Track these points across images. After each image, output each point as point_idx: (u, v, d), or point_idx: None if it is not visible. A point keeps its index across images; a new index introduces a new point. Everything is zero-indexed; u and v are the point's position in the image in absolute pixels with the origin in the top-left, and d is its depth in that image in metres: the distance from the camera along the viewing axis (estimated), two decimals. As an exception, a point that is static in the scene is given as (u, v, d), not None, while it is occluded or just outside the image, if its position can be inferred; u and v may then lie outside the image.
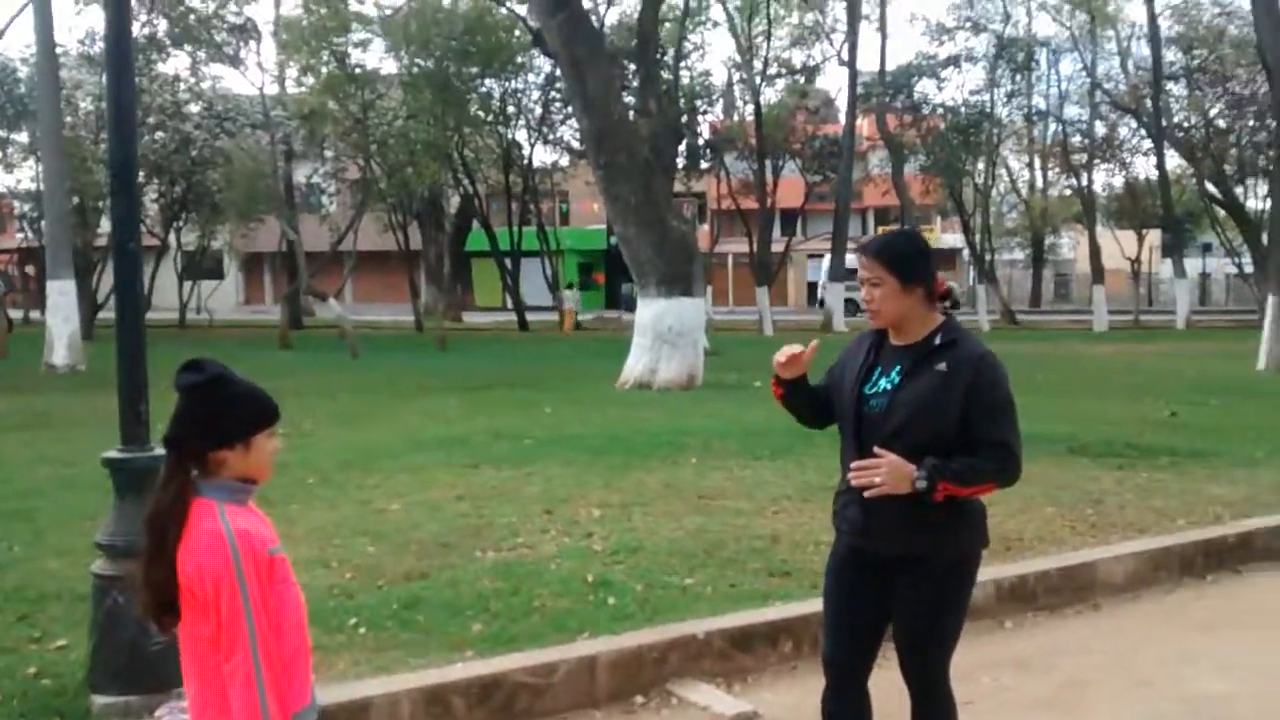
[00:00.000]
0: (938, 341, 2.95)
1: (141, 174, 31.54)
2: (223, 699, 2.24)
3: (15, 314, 35.28)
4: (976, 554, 3.07)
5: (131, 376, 3.96)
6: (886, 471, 2.84)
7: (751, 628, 4.67)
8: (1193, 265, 50.99)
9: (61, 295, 17.76)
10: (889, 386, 2.95)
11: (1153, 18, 34.10)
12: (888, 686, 3.23)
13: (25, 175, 34.99)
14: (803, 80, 38.37)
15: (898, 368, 2.97)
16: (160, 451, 3.83)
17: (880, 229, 53.28)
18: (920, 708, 3.10)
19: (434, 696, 3.93)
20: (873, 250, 3.02)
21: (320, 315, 35.50)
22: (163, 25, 28.83)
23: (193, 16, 27.70)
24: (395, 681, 3.97)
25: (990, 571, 5.47)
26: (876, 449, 2.88)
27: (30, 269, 43.16)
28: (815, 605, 4.57)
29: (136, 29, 27.06)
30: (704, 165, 38.97)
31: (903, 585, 3.00)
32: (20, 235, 40.60)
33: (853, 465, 2.94)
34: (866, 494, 2.88)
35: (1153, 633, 5.14)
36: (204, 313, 38.43)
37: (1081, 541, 6.14)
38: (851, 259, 19.50)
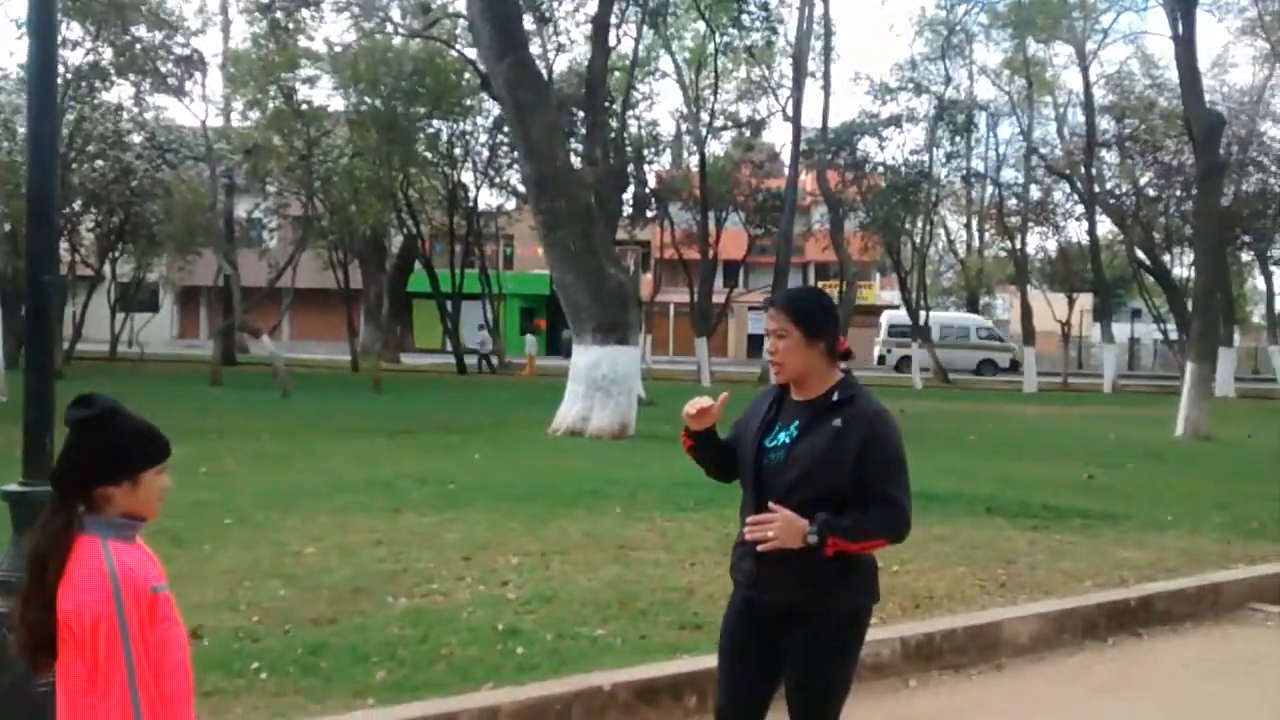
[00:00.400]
0: (835, 398, 3.05)
1: (79, 203, 31.19)
2: None
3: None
4: (867, 609, 3.13)
5: (38, 408, 3.92)
6: (780, 526, 2.92)
7: (657, 680, 4.69)
8: (1123, 329, 52.29)
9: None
10: (787, 440, 3.04)
11: (1087, 86, 35.25)
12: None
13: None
14: (748, 133, 38.94)
15: (796, 423, 3.06)
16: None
17: (820, 284, 54.06)
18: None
19: (331, 745, 3.90)
20: (781, 303, 3.12)
21: (254, 352, 35.05)
22: (108, 53, 28.57)
23: (138, 46, 27.47)
24: (292, 729, 3.93)
25: (898, 629, 5.57)
26: (771, 504, 2.96)
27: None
28: (721, 659, 4.62)
29: (80, 56, 26.80)
30: (649, 214, 39.30)
31: (793, 638, 3.05)
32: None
33: (748, 520, 3.01)
34: (760, 548, 2.95)
35: (1053, 695, 5.24)
36: (135, 345, 37.74)
37: (990, 601, 6.26)
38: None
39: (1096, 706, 5.07)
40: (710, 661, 4.78)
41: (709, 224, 36.03)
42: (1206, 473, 12.61)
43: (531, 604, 5.65)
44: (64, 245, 30.94)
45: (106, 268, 35.24)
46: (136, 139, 31.33)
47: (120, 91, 30.01)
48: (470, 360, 36.00)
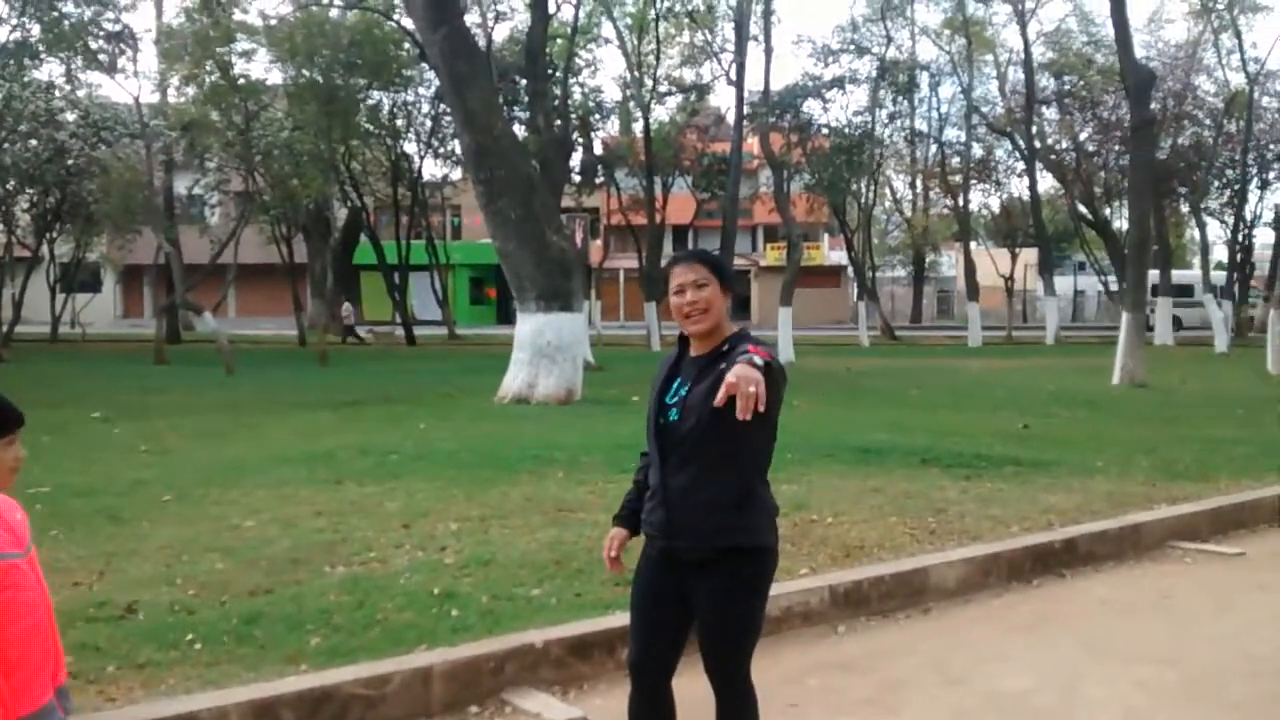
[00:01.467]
0: (725, 348, 3.15)
1: (13, 183, 30.57)
2: None
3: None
4: (771, 548, 3.23)
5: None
6: (749, 380, 2.74)
7: (590, 636, 4.79)
8: (1067, 283, 53.09)
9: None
10: (684, 395, 3.14)
11: (1026, 44, 35.61)
12: (697, 690, 3.38)
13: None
14: (692, 98, 38.92)
15: (693, 375, 3.16)
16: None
17: (769, 246, 54.27)
18: (723, 705, 3.25)
19: (263, 709, 3.96)
20: (696, 256, 3.26)
21: (199, 330, 34.67)
22: (35, 30, 27.89)
23: (66, 23, 26.86)
24: (224, 695, 3.99)
25: (828, 577, 5.72)
26: (727, 378, 2.78)
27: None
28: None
29: (5, 33, 26.18)
30: (596, 180, 39.23)
31: (705, 582, 3.16)
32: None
33: (740, 393, 2.76)
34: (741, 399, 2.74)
35: (975, 634, 5.42)
36: (78, 326, 37.17)
37: (920, 549, 6.43)
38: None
39: (1018, 643, 5.25)
40: (641, 616, 4.93)
41: (655, 189, 36.06)
42: (1138, 419, 12.94)
43: (469, 568, 5.73)
44: (-1, 226, 30.34)
45: (45, 248, 34.61)
46: (70, 117, 30.66)
47: (50, 69, 29.40)
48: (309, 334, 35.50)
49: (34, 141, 29.95)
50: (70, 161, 30.73)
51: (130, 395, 15.68)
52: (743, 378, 2.73)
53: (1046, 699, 4.51)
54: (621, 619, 4.96)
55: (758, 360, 2.86)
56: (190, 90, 30.27)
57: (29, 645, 2.38)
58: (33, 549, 2.51)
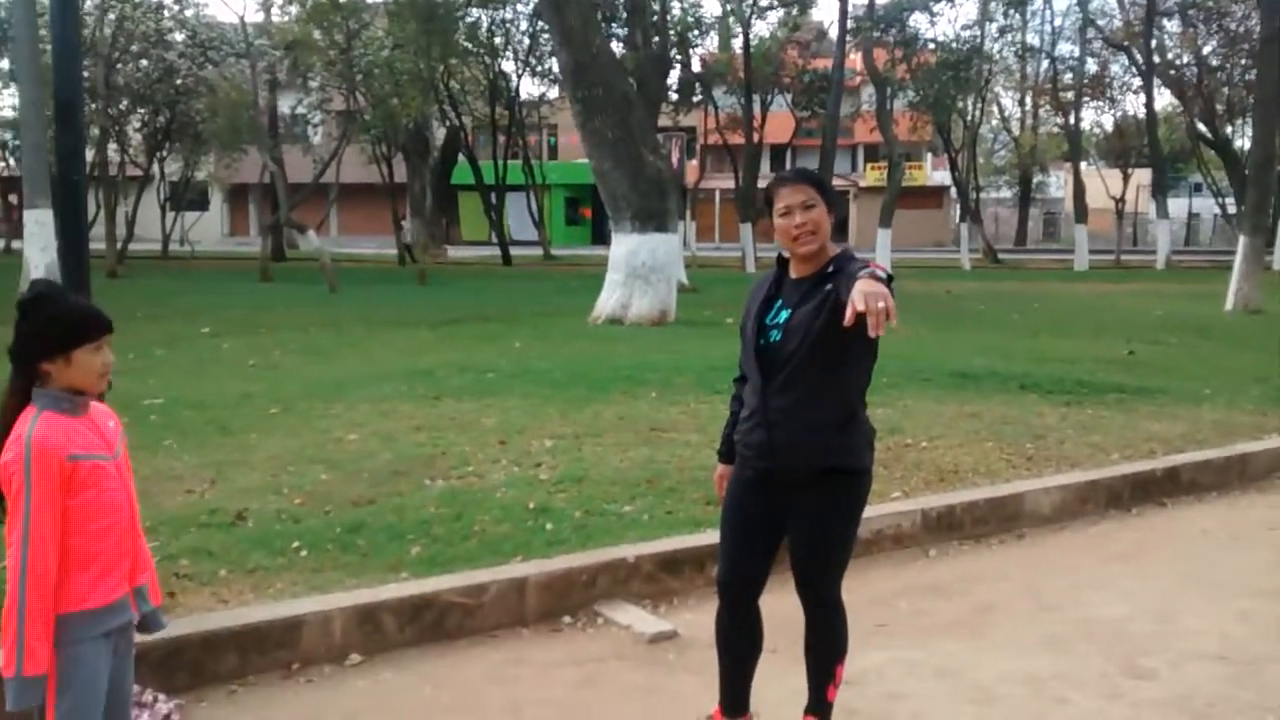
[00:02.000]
0: (830, 269, 3.11)
1: (125, 103, 31.39)
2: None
3: (-2, 243, 35.18)
4: (868, 471, 3.24)
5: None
6: (879, 295, 2.65)
7: (680, 552, 4.86)
8: (1181, 205, 51.05)
9: (39, 225, 17.66)
10: (786, 315, 3.12)
11: (1148, -49, 33.79)
12: (796, 604, 3.40)
13: (6, 103, 34.69)
14: (795, 12, 37.95)
15: (796, 298, 3.13)
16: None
17: (869, 166, 53.14)
18: (814, 622, 3.29)
19: (366, 615, 4.12)
20: (803, 175, 3.20)
21: (302, 248, 35.44)
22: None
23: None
24: (329, 600, 4.15)
25: (920, 501, 5.70)
26: (854, 297, 2.68)
27: (12, 198, 42.84)
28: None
29: (116, -45, 26.67)
30: (694, 99, 38.70)
31: (799, 502, 3.18)
32: (1, 164, 40.28)
33: (870, 310, 2.65)
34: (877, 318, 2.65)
35: (1069, 561, 5.36)
36: (186, 244, 38.31)
37: (1015, 474, 6.35)
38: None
39: (1112, 571, 5.18)
40: (732, 534, 4.98)
41: (754, 107, 35.44)
42: (1251, 346, 12.48)
43: (563, 484, 5.83)
44: (112, 145, 31.22)
45: (155, 167, 35.58)
46: (178, 37, 31.28)
47: (159, -11, 29.94)
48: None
49: (144, 62, 30.67)
50: (179, 81, 31.42)
51: (237, 311, 16.17)
52: (869, 294, 2.61)
53: (1142, 626, 4.44)
54: (712, 537, 5.01)
55: (880, 274, 2.77)
56: (293, 9, 30.55)
57: (106, 541, 2.53)
58: (123, 454, 2.66)
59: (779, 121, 39.71)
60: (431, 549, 4.79)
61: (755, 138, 34.82)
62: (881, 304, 2.60)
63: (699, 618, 4.54)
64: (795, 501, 3.19)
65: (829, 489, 3.15)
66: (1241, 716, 3.65)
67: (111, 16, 27.53)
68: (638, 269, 14.45)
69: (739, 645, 3.37)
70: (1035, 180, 51.53)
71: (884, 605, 4.71)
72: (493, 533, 5.02)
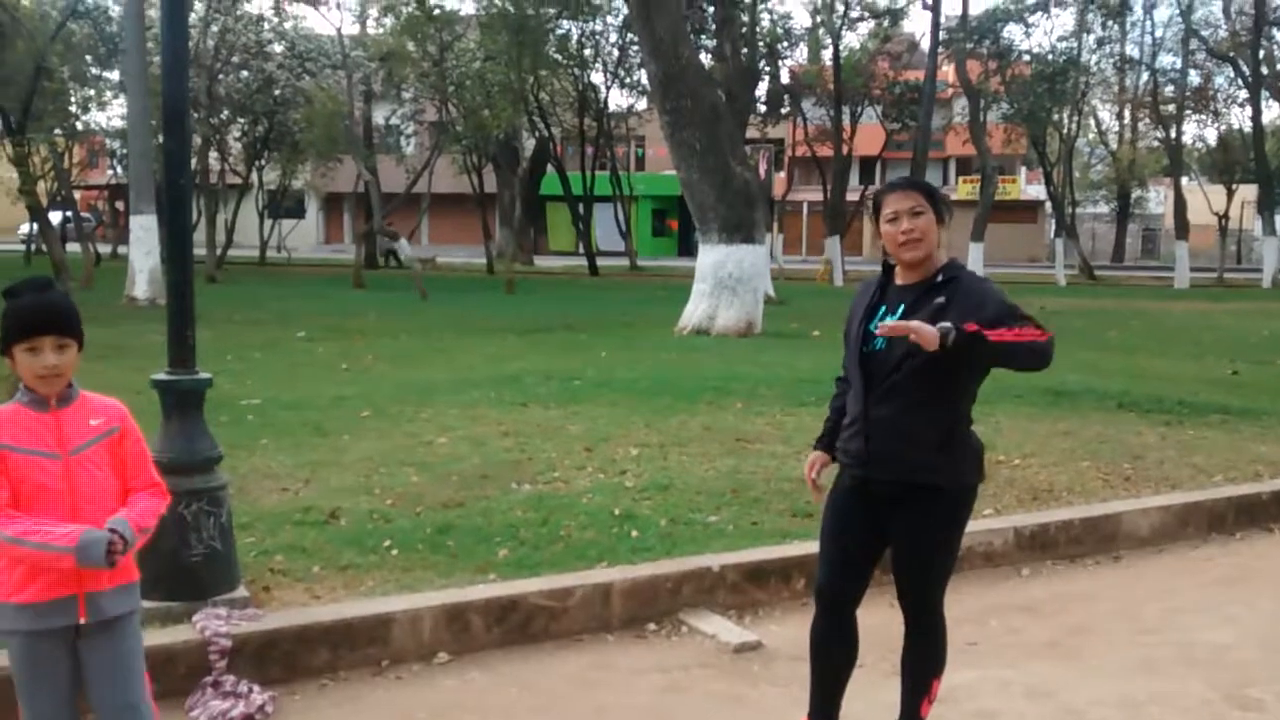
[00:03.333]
0: (939, 279, 3.08)
1: (226, 113, 32.37)
2: None
3: (104, 248, 36.48)
4: (972, 487, 3.19)
5: (180, 305, 4.18)
6: (916, 325, 2.88)
7: (766, 563, 4.83)
8: (1289, 222, 49.20)
9: (144, 230, 18.37)
10: (893, 322, 3.08)
11: (1257, -42, 32.78)
12: (885, 618, 3.37)
13: (116, 113, 36.00)
14: (885, 23, 37.62)
15: (902, 305, 3.11)
16: (205, 375, 4.12)
17: (961, 180, 52.32)
18: (913, 636, 3.26)
19: (454, 614, 4.17)
20: (913, 182, 3.21)
21: (402, 256, 36.09)
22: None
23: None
24: (419, 599, 4.21)
25: (1012, 519, 5.58)
26: (907, 325, 2.90)
27: (120, 205, 44.44)
28: (829, 545, 4.73)
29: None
30: (782, 111, 38.57)
31: (901, 515, 3.14)
32: (110, 172, 41.83)
33: (880, 327, 3.01)
34: (885, 333, 2.96)
35: (1168, 585, 5.19)
36: (283, 250, 39.28)
37: (1112, 494, 6.18)
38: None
39: (1212, 597, 5.00)
40: (818, 546, 4.94)
41: (843, 119, 35.18)
42: (1365, 369, 11.99)
43: (648, 492, 5.84)
44: (213, 154, 32.20)
45: (254, 175, 36.60)
46: (277, 49, 32.22)
47: (260, 2, 30.85)
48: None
49: (245, 73, 31.63)
50: (277, 92, 32.32)
51: (331, 317, 16.52)
52: (919, 333, 2.84)
53: (1247, 654, 4.28)
54: (798, 548, 5.00)
55: (950, 338, 2.85)
56: (388, 21, 31.26)
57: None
58: (92, 448, 2.67)
59: (869, 134, 39.34)
60: (519, 552, 4.83)
61: (844, 150, 34.58)
62: (911, 336, 2.86)
63: (784, 629, 4.51)
64: (895, 514, 3.16)
65: (927, 505, 3.11)
66: (1354, 751, 3.50)
67: (214, 29, 28.45)
68: (724, 280, 14.42)
69: (832, 655, 3.32)
70: (1134, 195, 50.23)
71: (975, 623, 4.62)
72: (579, 538, 5.05)
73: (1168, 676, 4.07)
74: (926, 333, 2.84)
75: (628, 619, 4.48)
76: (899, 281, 3.19)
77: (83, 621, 2.62)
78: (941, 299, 3.04)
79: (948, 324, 2.86)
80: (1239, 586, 5.18)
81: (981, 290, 3.06)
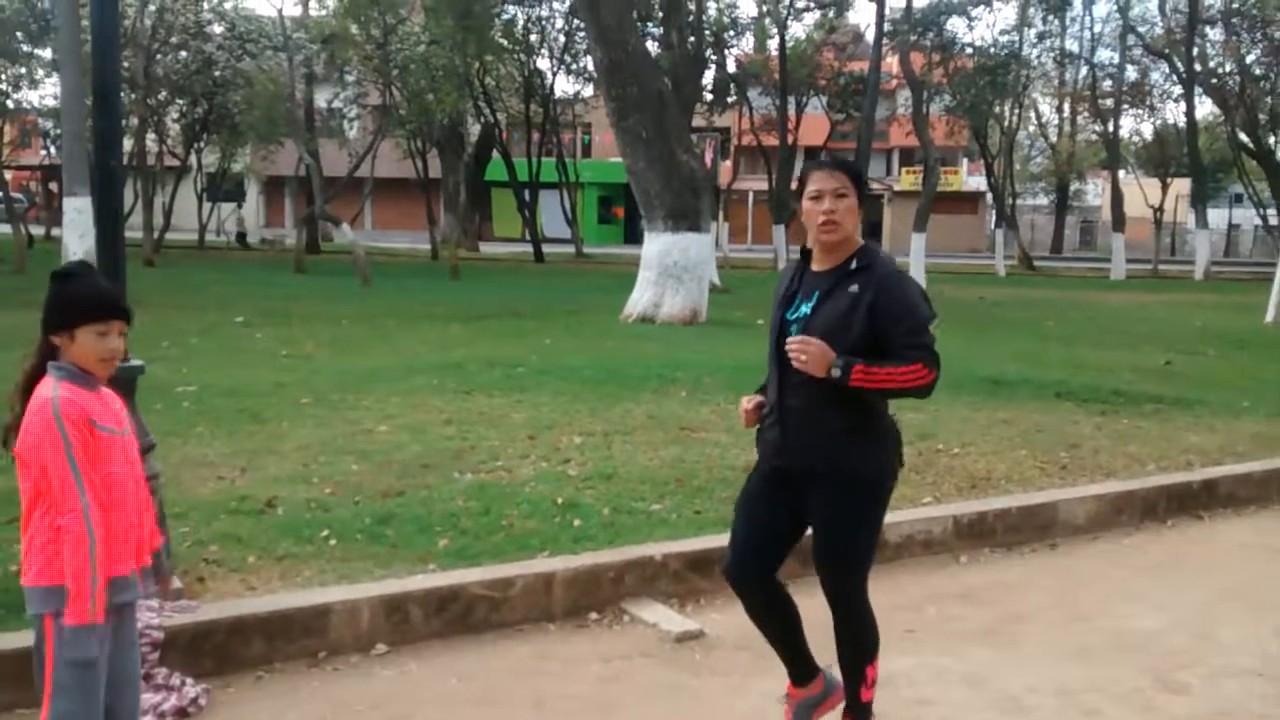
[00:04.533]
0: (853, 266, 3.11)
1: (164, 93, 31.70)
2: (35, 548, 2.54)
3: (37, 230, 35.61)
4: (886, 474, 3.20)
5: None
6: (814, 351, 2.99)
7: (709, 552, 4.81)
8: (1222, 216, 50.43)
9: (77, 212, 17.83)
10: (807, 311, 3.09)
11: (1192, -44, 33.37)
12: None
13: (49, 91, 35.11)
14: (831, 14, 37.79)
15: (816, 292, 3.11)
16: (137, 362, 4.03)
17: (904, 170, 52.81)
18: (837, 626, 3.26)
19: (393, 605, 4.12)
20: (840, 163, 3.18)
21: (337, 240, 35.65)
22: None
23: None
24: (357, 589, 4.16)
25: (951, 508, 5.64)
26: (804, 337, 3.03)
27: (53, 185, 43.39)
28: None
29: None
30: (729, 100, 38.59)
31: (815, 503, 3.15)
32: (43, 152, 40.81)
33: (789, 341, 3.06)
34: (794, 362, 3.03)
35: (1103, 572, 5.28)
36: (222, 234, 38.64)
37: (1049, 483, 6.27)
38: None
39: (1146, 584, 5.10)
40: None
41: (789, 109, 35.31)
42: (1292, 360, 12.28)
43: (592, 480, 5.82)
44: (150, 136, 31.52)
45: (192, 158, 35.91)
46: (217, 29, 31.60)
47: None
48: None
49: (184, 53, 30.98)
50: (217, 73, 31.72)
51: (271, 302, 16.27)
52: (809, 348, 2.99)
53: (1177, 640, 4.37)
54: (740, 538, 5.00)
55: (836, 369, 2.99)
56: (330, 3, 30.77)
57: (115, 515, 2.58)
58: (129, 433, 2.71)
59: (814, 123, 39.53)
60: (459, 542, 4.78)
61: (790, 139, 34.69)
62: (804, 356, 3.00)
63: (726, 618, 4.51)
64: (810, 502, 3.17)
65: (842, 493, 3.11)
66: (1279, 734, 3.58)
67: (152, 8, 27.81)
68: (670, 268, 14.42)
69: (771, 623, 3.33)
70: (1072, 188, 51.02)
71: (913, 610, 4.66)
72: (521, 527, 5.01)
73: (1102, 663, 4.13)
74: (814, 362, 2.98)
75: (570, 608, 4.45)
76: (815, 267, 3.20)
77: (140, 594, 2.71)
78: (855, 287, 3.06)
79: (840, 361, 2.97)
80: (1170, 574, 5.28)
81: (901, 296, 3.06)
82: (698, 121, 33.14)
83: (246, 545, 4.60)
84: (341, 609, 4.02)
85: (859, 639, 3.25)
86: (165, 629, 3.68)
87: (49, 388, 2.56)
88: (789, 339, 3.06)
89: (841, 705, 3.33)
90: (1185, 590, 5.01)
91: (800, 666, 3.36)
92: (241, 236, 38.81)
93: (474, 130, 39.33)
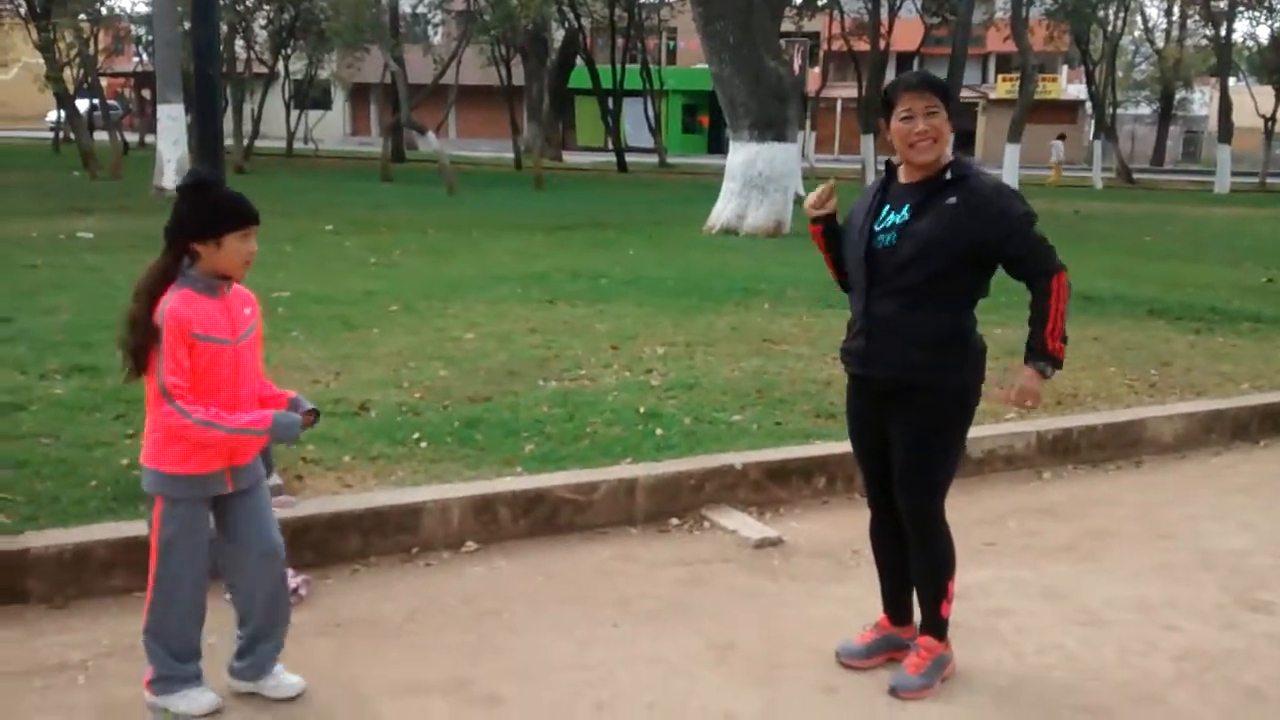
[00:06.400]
0: (948, 176, 3.07)
1: (250, 1, 31.89)
2: (147, 435, 2.83)
3: (131, 137, 36.42)
4: (972, 388, 3.19)
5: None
6: (1032, 389, 3.11)
7: (788, 462, 4.90)
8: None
9: (171, 119, 18.29)
10: (898, 221, 3.08)
11: None
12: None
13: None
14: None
15: (908, 205, 3.09)
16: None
17: (1000, 77, 51.08)
18: (916, 544, 3.26)
19: (483, 505, 4.27)
20: (929, 80, 3.14)
21: (422, 149, 35.86)
22: None
23: None
24: (448, 490, 4.31)
25: (1035, 423, 5.60)
26: (1013, 397, 3.12)
27: (146, 93, 44.18)
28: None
29: None
30: (819, 3, 37.56)
31: (898, 414, 3.17)
32: (136, 59, 41.49)
33: (1010, 399, 3.14)
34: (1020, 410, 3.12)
35: (1189, 491, 5.23)
36: (310, 142, 39.05)
37: (1137, 401, 6.19)
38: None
39: (1234, 503, 5.04)
40: (841, 447, 4.98)
41: (881, 12, 34.26)
42: (1404, 279, 11.80)
43: (673, 390, 5.90)
44: (239, 43, 31.81)
45: (280, 65, 36.18)
46: (303, -66, 31.51)
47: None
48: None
49: (271, -42, 31.01)
50: (303, -22, 31.72)
51: (359, 210, 16.52)
52: (1025, 395, 3.11)
53: (1262, 559, 4.33)
54: (820, 449, 5.08)
55: (1048, 371, 3.08)
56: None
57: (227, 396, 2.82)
58: (251, 337, 2.89)
59: (907, 28, 38.31)
60: (545, 446, 4.91)
61: (881, 45, 33.69)
62: (1029, 404, 3.12)
63: (805, 526, 4.60)
64: (894, 413, 3.18)
65: (924, 404, 3.11)
66: (1362, 655, 3.56)
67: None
68: (754, 179, 14.29)
69: (886, 550, 3.39)
70: (1178, 96, 48.93)
71: (993, 525, 4.68)
72: (604, 435, 5.12)
73: (1183, 581, 4.12)
74: (1035, 394, 3.11)
75: (652, 513, 4.56)
76: (903, 180, 3.16)
77: (230, 491, 2.90)
78: (953, 199, 3.03)
79: (1042, 364, 3.06)
80: (1258, 494, 5.21)
81: (999, 203, 3.04)
82: (786, 26, 32.37)
83: (342, 446, 4.78)
84: (433, 508, 4.17)
85: (938, 559, 3.25)
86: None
87: (167, 298, 2.73)
88: (1009, 393, 3.12)
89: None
90: (1273, 512, 4.94)
91: (901, 606, 3.42)
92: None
93: (558, 36, 38.91)
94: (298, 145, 38.16)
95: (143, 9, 36.09)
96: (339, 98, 50.90)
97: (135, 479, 4.22)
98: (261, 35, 35.34)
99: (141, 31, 37.55)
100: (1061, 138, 37.03)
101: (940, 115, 3.06)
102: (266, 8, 33.33)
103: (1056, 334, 3.03)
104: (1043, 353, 3.04)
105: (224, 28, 27.47)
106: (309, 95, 40.53)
